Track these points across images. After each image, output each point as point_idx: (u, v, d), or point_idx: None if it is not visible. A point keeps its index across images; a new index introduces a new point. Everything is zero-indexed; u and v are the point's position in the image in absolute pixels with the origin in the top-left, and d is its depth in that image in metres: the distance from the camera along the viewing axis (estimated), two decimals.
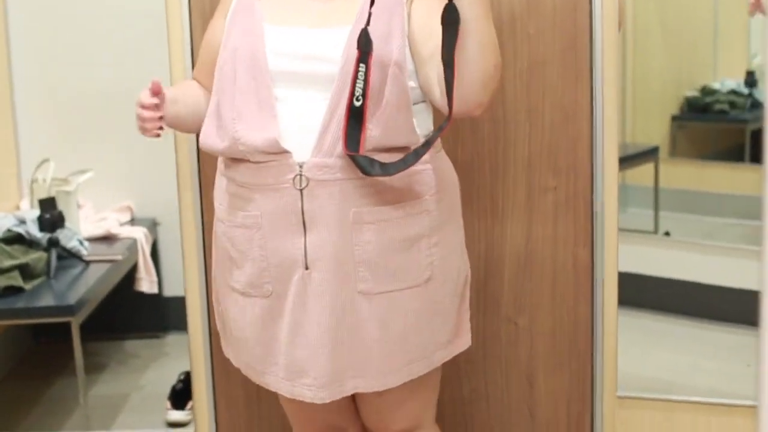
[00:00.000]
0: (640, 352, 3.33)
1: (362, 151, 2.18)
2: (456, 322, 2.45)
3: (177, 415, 3.66)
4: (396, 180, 2.25)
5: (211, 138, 2.33)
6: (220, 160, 2.41)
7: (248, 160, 2.27)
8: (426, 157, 2.27)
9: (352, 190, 2.24)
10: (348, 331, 2.29)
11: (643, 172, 3.79)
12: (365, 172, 2.18)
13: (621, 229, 3.01)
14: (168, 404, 3.73)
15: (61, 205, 3.97)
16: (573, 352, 3.05)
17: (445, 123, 2.21)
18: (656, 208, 3.79)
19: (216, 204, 2.43)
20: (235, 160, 2.32)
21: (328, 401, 2.34)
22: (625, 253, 3.04)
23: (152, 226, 4.28)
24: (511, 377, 3.07)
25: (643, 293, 3.51)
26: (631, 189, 3.73)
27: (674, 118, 3.94)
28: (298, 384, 2.33)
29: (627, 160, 3.62)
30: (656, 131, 3.95)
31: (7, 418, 3.83)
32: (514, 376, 3.07)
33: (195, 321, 3.12)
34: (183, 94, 2.46)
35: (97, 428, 3.70)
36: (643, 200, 3.81)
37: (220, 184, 2.40)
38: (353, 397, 2.51)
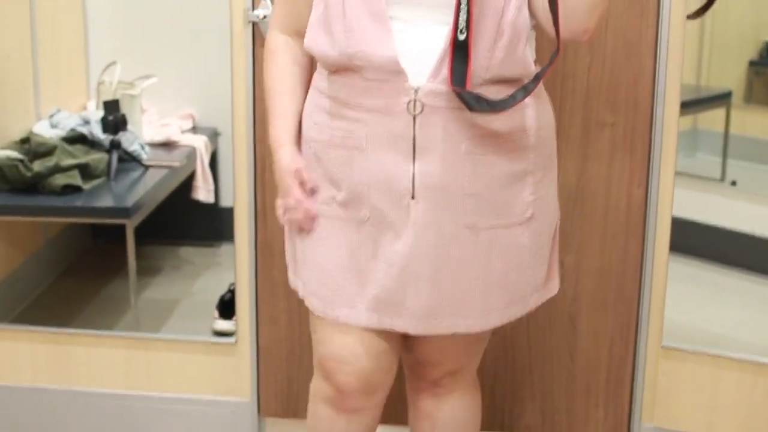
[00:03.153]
0: (692, 303, 3.25)
1: (469, 86, 2.09)
2: (550, 264, 2.40)
3: (224, 325, 3.66)
4: (507, 112, 2.16)
5: (322, 46, 2.21)
6: (318, 76, 2.30)
7: (359, 78, 2.17)
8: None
9: (466, 120, 2.15)
10: (451, 266, 2.21)
11: (715, 117, 3.69)
12: (471, 109, 2.10)
13: (686, 174, 2.95)
14: (216, 313, 3.73)
15: (125, 109, 3.97)
16: (619, 295, 3.00)
17: (554, 56, 2.13)
18: (725, 155, 3.69)
19: (308, 122, 2.31)
20: (341, 77, 2.20)
21: (422, 334, 2.29)
22: (688, 199, 2.98)
23: (213, 135, 4.26)
24: (554, 317, 3.03)
25: (703, 242, 3.43)
26: (702, 134, 3.63)
27: (751, 64, 3.82)
28: (388, 315, 2.26)
29: (699, 104, 3.52)
30: (731, 76, 3.83)
31: (60, 314, 3.87)
32: (557, 315, 3.03)
33: (242, 234, 3.11)
34: (296, 102, 2.35)
35: (146, 331, 3.72)
36: (712, 146, 3.70)
37: (317, 101, 2.28)
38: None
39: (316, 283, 2.32)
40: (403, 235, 2.20)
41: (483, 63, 2.12)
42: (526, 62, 2.19)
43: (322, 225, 2.29)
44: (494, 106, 2.11)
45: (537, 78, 2.15)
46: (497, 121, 2.17)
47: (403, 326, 2.26)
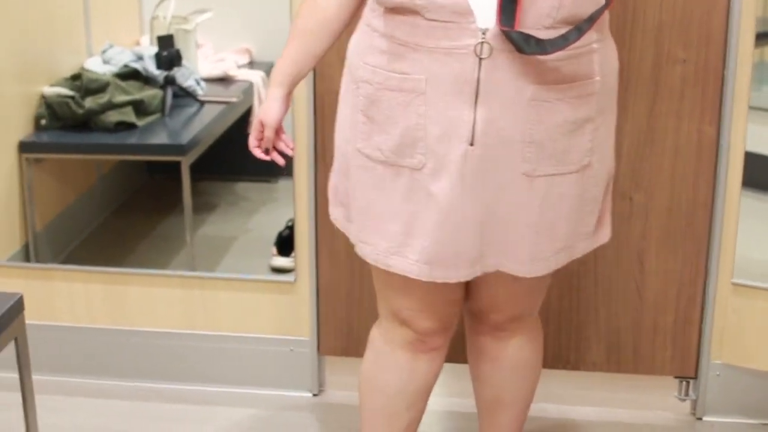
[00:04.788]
0: (758, 238, 3.19)
1: (518, 26, 2.00)
2: (602, 213, 2.34)
3: (281, 262, 3.65)
4: (573, 56, 2.09)
5: None
6: (370, 13, 2.20)
7: (419, 17, 2.07)
8: (599, 35, 2.14)
9: (533, 65, 2.06)
10: (504, 213, 2.16)
11: None
12: (520, 50, 2.01)
13: (753, 108, 2.88)
14: (274, 250, 3.72)
15: (179, 44, 3.94)
16: (689, 233, 2.96)
17: None
18: None
19: (357, 61, 2.22)
20: (399, 15, 2.10)
21: (463, 280, 2.24)
22: (754, 133, 2.91)
23: (271, 70, 4.22)
24: (621, 254, 2.99)
25: None
26: None
27: None
28: (440, 267, 2.20)
29: (767, 36, 3.44)
30: None
31: (113, 252, 3.87)
32: (625, 253, 2.99)
33: (301, 171, 3.09)
34: (305, 54, 2.35)
35: (202, 269, 3.70)
36: None
37: (369, 40, 2.18)
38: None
39: (369, 232, 2.27)
40: (458, 182, 2.13)
41: (554, 3, 2.04)
42: (600, 1, 2.11)
43: (375, 171, 2.22)
44: (544, 48, 2.02)
45: (591, 19, 2.07)
46: (565, 66, 2.10)
47: (456, 276, 2.21)
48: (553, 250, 2.25)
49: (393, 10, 2.11)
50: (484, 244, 2.19)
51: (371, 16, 2.19)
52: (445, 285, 2.25)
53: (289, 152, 2.43)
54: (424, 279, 2.22)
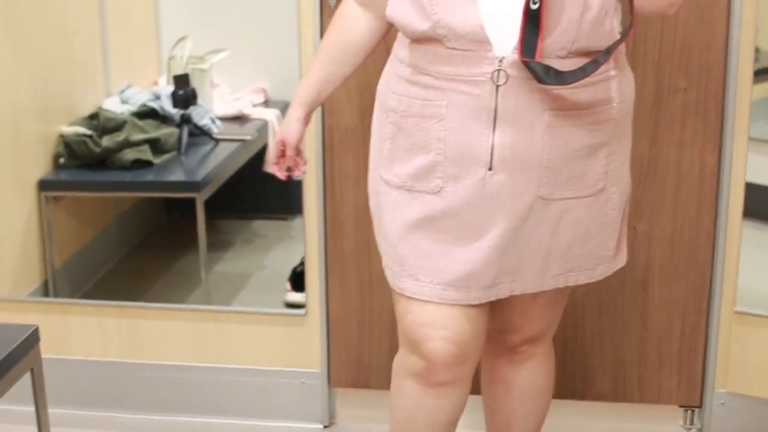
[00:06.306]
0: (763, 268, 3.20)
1: (538, 57, 2.06)
2: (619, 237, 2.37)
3: (296, 297, 3.67)
4: (590, 84, 2.15)
5: (410, 17, 2.16)
6: (398, 45, 2.28)
7: (441, 47, 2.14)
8: (615, 63, 2.19)
9: (549, 92, 2.12)
10: (520, 236, 2.20)
11: None
12: (540, 81, 2.07)
13: (756, 140, 2.89)
14: (288, 285, 3.75)
15: (195, 83, 3.99)
16: (692, 261, 2.97)
17: (627, 30, 2.13)
18: None
19: (386, 93, 2.29)
20: (423, 46, 2.17)
21: (474, 303, 2.26)
22: (757, 164, 2.93)
23: (285, 108, 4.25)
24: (625, 283, 3.01)
25: None
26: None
27: None
28: (453, 289, 2.24)
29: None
30: None
31: (130, 289, 3.90)
32: (629, 282, 3.01)
33: (310, 206, 3.13)
34: (328, 69, 2.40)
35: (217, 304, 3.74)
36: None
37: (397, 71, 2.26)
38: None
39: (387, 256, 2.32)
40: (475, 206, 2.18)
41: (570, 36, 2.10)
42: (614, 35, 2.16)
43: (391, 197, 2.27)
44: (563, 79, 2.08)
45: (608, 51, 2.13)
46: (581, 93, 2.15)
47: (467, 298, 2.24)
48: (563, 270, 2.29)
49: (417, 41, 2.18)
50: (498, 267, 2.22)
51: (398, 47, 2.27)
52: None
53: (299, 172, 2.46)
54: (435, 301, 2.25)
